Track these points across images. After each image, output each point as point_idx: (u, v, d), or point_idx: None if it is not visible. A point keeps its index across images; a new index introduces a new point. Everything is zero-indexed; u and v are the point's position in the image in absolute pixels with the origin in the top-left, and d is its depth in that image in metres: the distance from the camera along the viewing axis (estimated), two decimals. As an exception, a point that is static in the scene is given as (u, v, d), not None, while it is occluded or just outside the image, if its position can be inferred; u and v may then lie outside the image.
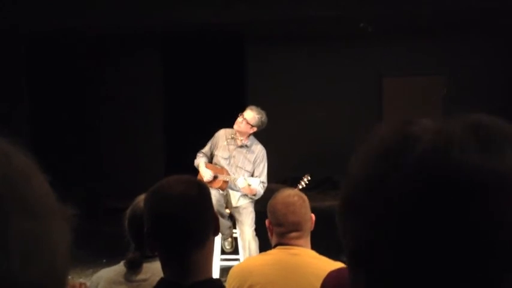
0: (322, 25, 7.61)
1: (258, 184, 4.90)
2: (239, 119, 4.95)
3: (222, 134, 5.11)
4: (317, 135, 8.50)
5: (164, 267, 1.55)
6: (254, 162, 5.00)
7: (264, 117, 4.98)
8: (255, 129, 4.98)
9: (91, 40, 8.02)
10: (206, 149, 5.15)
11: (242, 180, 4.84)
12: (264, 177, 4.97)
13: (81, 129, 8.57)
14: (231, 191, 5.01)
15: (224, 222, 4.92)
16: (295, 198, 2.35)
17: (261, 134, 5.30)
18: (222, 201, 4.96)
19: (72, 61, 8.33)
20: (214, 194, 4.80)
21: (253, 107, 5.01)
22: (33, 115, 7.97)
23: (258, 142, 5.11)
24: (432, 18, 7.23)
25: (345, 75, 8.61)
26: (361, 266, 0.57)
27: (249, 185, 4.84)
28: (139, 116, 8.87)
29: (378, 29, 7.55)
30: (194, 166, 5.10)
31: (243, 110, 5.02)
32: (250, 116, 4.93)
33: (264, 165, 5.03)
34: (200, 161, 5.08)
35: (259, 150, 5.05)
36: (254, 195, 4.96)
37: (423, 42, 8.26)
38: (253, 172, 4.99)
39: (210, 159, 5.13)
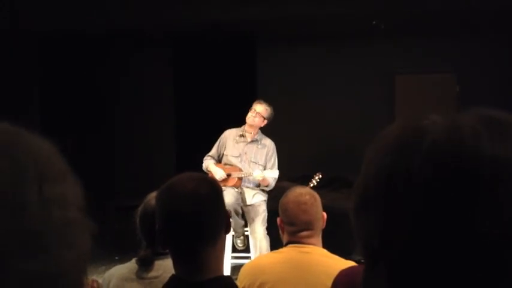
0: (333, 23, 7.58)
1: (275, 177, 4.96)
2: (251, 114, 5.00)
3: (228, 134, 5.15)
4: (329, 133, 8.47)
5: (175, 264, 1.55)
6: (266, 156, 5.04)
7: (272, 109, 5.07)
8: (266, 122, 5.04)
9: (102, 40, 8.05)
10: (213, 151, 5.18)
11: (259, 172, 4.89)
12: (276, 170, 5.02)
13: (91, 128, 8.61)
14: (245, 189, 5.03)
15: (239, 221, 4.94)
16: (307, 197, 2.34)
17: (273, 132, 5.30)
18: (240, 200, 4.98)
19: (82, 61, 8.37)
20: (232, 193, 4.84)
21: (261, 101, 5.10)
22: (45, 114, 8.03)
23: (266, 136, 5.15)
24: (444, 15, 7.18)
25: (356, 73, 8.57)
26: (380, 261, 0.57)
27: (264, 177, 4.91)
28: (150, 115, 8.90)
29: (390, 27, 7.51)
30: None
31: (250, 105, 5.08)
32: (262, 108, 5.01)
33: (275, 158, 5.11)
34: (209, 163, 5.11)
35: (269, 144, 5.11)
36: (266, 186, 5.02)
37: (435, 40, 8.20)
38: (265, 166, 5.03)
39: (219, 161, 5.16)
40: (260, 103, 5.05)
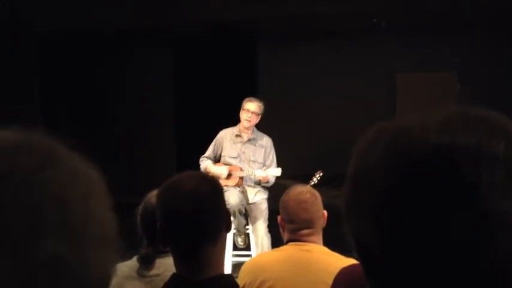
0: (334, 22, 7.58)
1: (277, 175, 4.97)
2: (246, 115, 4.94)
3: (224, 135, 5.12)
4: (329, 131, 8.47)
5: (176, 262, 1.55)
6: (265, 153, 5.04)
7: (262, 103, 5.05)
8: (259, 117, 5.01)
9: (102, 40, 8.05)
10: (209, 152, 5.15)
11: (261, 171, 4.89)
12: (275, 166, 5.03)
13: (92, 126, 8.61)
14: (247, 187, 5.03)
15: (242, 220, 4.94)
16: (307, 195, 2.34)
17: (274, 131, 5.30)
18: (244, 200, 4.97)
19: (83, 61, 8.38)
20: (237, 194, 4.84)
21: (251, 98, 5.04)
22: (45, 113, 8.03)
23: (262, 133, 5.15)
24: (445, 13, 7.17)
25: (357, 72, 8.57)
26: (364, 263, 0.59)
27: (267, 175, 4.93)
28: (151, 114, 8.90)
29: (391, 25, 7.50)
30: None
31: (239, 107, 5.02)
32: (255, 106, 4.97)
33: (274, 154, 5.11)
34: (207, 163, 5.08)
35: (266, 141, 5.10)
36: (267, 182, 5.02)
37: (436, 38, 8.20)
38: (265, 163, 5.03)
39: (216, 162, 5.14)
40: (251, 101, 4.98)
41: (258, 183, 5.05)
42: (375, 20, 7.30)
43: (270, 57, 8.55)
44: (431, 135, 0.54)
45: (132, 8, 6.67)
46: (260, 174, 4.89)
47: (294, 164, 7.51)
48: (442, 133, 0.54)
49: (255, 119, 4.98)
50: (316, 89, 8.61)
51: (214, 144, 5.14)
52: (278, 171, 4.93)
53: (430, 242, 0.52)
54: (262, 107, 5.00)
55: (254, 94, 7.96)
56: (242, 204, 4.90)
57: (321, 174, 5.14)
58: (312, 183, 5.00)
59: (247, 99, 5.03)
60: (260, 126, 5.23)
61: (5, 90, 7.12)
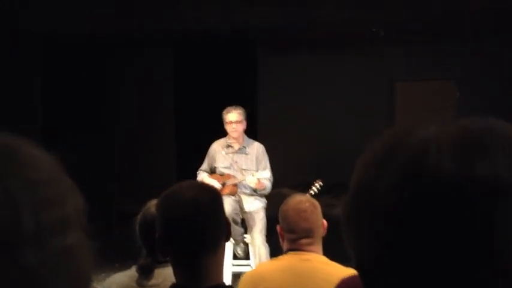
0: (334, 30, 7.60)
1: (267, 177, 4.95)
2: (230, 127, 4.97)
3: (215, 147, 5.18)
4: (329, 139, 8.48)
5: (176, 272, 1.55)
6: (256, 160, 5.04)
7: (241, 107, 5.04)
8: (245, 122, 5.02)
9: (102, 43, 8.07)
10: (204, 166, 5.23)
11: (251, 178, 4.90)
12: (268, 171, 5.01)
13: (93, 133, 8.61)
14: (242, 196, 5.02)
15: (237, 229, 4.93)
16: (307, 204, 2.34)
17: (273, 139, 5.30)
18: (238, 209, 4.97)
19: (83, 64, 8.38)
20: (230, 202, 4.83)
21: (228, 108, 5.04)
22: (46, 117, 8.03)
23: (253, 140, 5.17)
24: (444, 22, 7.19)
25: (356, 80, 8.58)
26: (362, 278, 0.58)
27: (259, 180, 4.90)
28: (150, 119, 8.90)
29: (389, 34, 7.52)
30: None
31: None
32: (236, 116, 4.98)
33: (266, 159, 5.10)
34: (203, 176, 5.15)
35: (257, 148, 5.11)
36: (263, 189, 5.01)
37: (435, 46, 8.22)
38: (257, 169, 5.04)
39: (212, 173, 5.18)
40: (229, 112, 4.99)
41: (255, 191, 5.04)
42: (373, 29, 7.33)
43: (269, 63, 8.56)
44: (447, 163, 0.51)
45: (133, 11, 6.68)
46: (250, 179, 4.89)
47: (293, 173, 7.51)
48: (458, 162, 0.51)
49: (241, 127, 5.02)
50: (315, 97, 8.62)
51: (208, 157, 5.20)
52: (266, 173, 4.93)
53: (435, 273, 0.51)
54: (242, 111, 5.02)
55: (253, 99, 8.00)
56: (236, 213, 4.89)
57: (321, 183, 5.13)
58: (312, 192, 4.99)
59: (225, 111, 5.05)
60: (260, 134, 5.24)
61: (7, 93, 7.13)
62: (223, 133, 5.21)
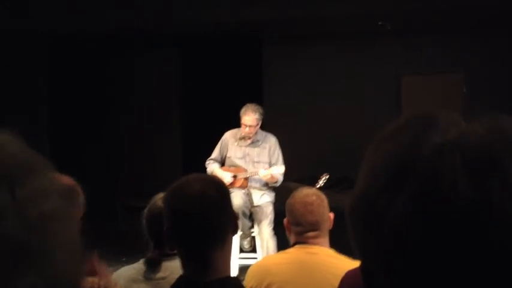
0: (340, 24, 7.57)
1: (282, 173, 4.94)
2: (245, 129, 4.93)
3: (229, 136, 5.14)
4: (335, 134, 8.46)
5: (183, 265, 1.56)
6: (269, 152, 5.03)
7: (259, 108, 4.97)
8: (260, 122, 5.00)
9: (109, 40, 8.08)
10: (215, 154, 5.16)
11: (264, 171, 4.88)
12: (281, 164, 4.99)
13: (100, 128, 8.64)
14: (252, 190, 5.02)
15: (246, 223, 4.94)
16: (314, 197, 2.34)
17: (280, 133, 5.30)
18: (248, 202, 4.97)
19: (90, 61, 8.40)
20: (240, 195, 4.83)
21: (246, 109, 4.94)
22: (53, 114, 8.07)
23: (266, 132, 5.14)
24: (451, 15, 7.15)
25: (363, 74, 8.55)
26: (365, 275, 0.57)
27: (272, 174, 4.89)
28: (157, 115, 8.91)
29: (396, 27, 7.49)
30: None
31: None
32: (251, 120, 4.91)
33: (279, 152, 5.08)
34: (214, 167, 5.10)
35: (270, 140, 5.09)
36: (275, 182, 4.99)
37: (442, 40, 8.18)
38: (270, 162, 5.03)
39: (222, 163, 5.14)
40: (247, 114, 4.90)
41: (266, 184, 5.04)
42: (380, 23, 7.29)
43: (275, 59, 8.55)
44: (464, 189, 0.49)
45: (140, 9, 6.69)
46: (263, 173, 4.88)
47: (300, 167, 7.50)
48: (476, 188, 0.49)
49: (255, 129, 4.97)
50: (321, 91, 8.61)
51: (220, 146, 5.15)
52: (281, 168, 4.91)
53: None
54: (259, 115, 4.93)
55: (260, 96, 8.00)
56: (246, 206, 4.90)
57: (327, 176, 5.13)
58: (318, 185, 5.00)
59: (243, 109, 4.97)
60: (267, 129, 5.23)
61: (14, 91, 7.15)
62: (229, 128, 5.20)
